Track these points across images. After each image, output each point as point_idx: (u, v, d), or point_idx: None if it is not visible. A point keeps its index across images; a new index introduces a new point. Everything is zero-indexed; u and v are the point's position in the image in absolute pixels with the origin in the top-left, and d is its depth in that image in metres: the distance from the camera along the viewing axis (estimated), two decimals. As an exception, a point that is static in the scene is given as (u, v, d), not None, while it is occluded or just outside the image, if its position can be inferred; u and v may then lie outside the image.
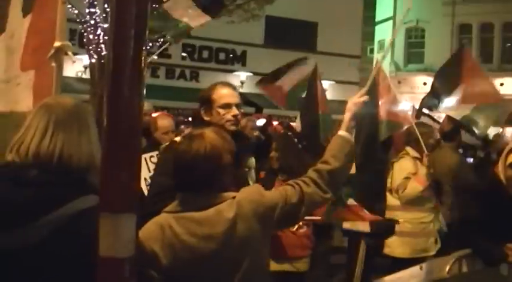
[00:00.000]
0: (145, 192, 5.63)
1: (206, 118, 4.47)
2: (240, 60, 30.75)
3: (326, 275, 7.42)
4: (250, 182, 4.48)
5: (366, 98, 3.68)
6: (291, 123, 10.68)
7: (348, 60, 32.05)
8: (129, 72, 2.05)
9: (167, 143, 4.65)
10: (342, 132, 3.53)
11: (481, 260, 4.91)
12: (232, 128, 4.37)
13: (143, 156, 5.96)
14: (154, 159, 6.29)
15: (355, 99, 3.68)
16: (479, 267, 4.88)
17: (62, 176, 2.65)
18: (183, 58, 29.64)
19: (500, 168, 5.10)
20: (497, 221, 4.78)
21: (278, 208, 3.16)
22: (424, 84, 35.04)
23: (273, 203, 3.16)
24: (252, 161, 4.71)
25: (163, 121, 7.15)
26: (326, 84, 27.43)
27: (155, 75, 28.27)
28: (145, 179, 5.97)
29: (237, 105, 4.45)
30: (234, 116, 4.38)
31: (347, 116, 3.61)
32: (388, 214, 7.56)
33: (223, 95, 4.46)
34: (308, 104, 9.59)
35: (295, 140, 6.23)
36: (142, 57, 2.09)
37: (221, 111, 4.40)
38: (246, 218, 3.05)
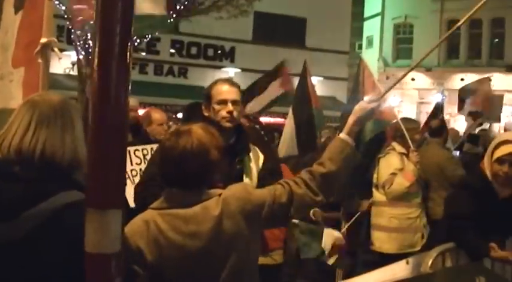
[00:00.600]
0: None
1: (206, 114, 4.50)
2: (228, 56, 30.76)
3: (316, 271, 7.43)
4: (246, 179, 4.44)
5: (375, 104, 3.51)
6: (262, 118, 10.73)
7: (337, 56, 32.09)
8: (115, 68, 2.05)
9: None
10: (343, 135, 3.40)
11: (466, 254, 4.93)
12: (227, 125, 4.36)
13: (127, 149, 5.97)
14: (139, 153, 6.30)
15: (363, 104, 3.51)
16: (463, 261, 4.89)
17: (45, 171, 2.64)
18: (172, 54, 29.65)
19: (486, 163, 5.13)
20: (483, 216, 4.81)
21: (266, 207, 3.11)
22: (413, 80, 35.14)
23: (261, 201, 3.12)
24: (256, 155, 4.64)
25: (157, 114, 7.23)
26: (315, 80, 27.50)
27: (144, 72, 28.28)
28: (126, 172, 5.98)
29: (234, 102, 4.43)
30: (229, 112, 4.37)
31: (351, 119, 3.44)
32: (375, 210, 7.59)
33: (220, 91, 4.46)
34: (301, 100, 9.60)
35: (262, 132, 6.21)
36: (128, 53, 2.09)
37: (217, 107, 4.40)
38: (232, 216, 3.02)
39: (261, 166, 4.56)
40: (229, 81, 4.66)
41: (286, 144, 9.17)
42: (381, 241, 7.46)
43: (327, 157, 3.32)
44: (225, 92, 4.46)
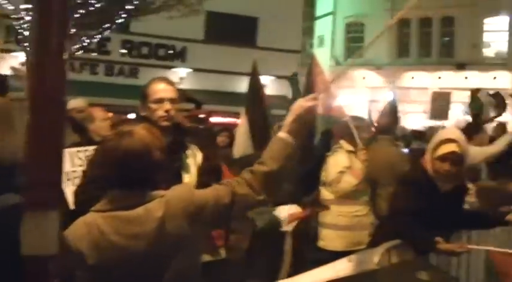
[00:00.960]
0: (65, 187, 5.56)
1: (142, 113, 4.45)
2: (180, 56, 30.62)
3: (266, 271, 7.41)
4: (186, 176, 4.42)
5: (314, 103, 3.47)
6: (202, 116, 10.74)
7: (289, 55, 32.16)
8: (50, 67, 2.03)
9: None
10: (282, 134, 3.40)
11: (411, 249, 4.96)
12: (165, 124, 4.31)
13: (67, 150, 5.89)
14: (82, 154, 6.21)
15: (302, 102, 3.48)
16: (409, 257, 4.91)
17: None
18: (123, 55, 29.42)
19: (427, 160, 5.20)
20: (428, 210, 4.86)
21: (209, 207, 3.11)
22: (364, 78, 35.50)
23: (203, 202, 3.11)
24: (194, 153, 4.61)
25: (98, 111, 7.15)
26: (266, 79, 27.62)
27: (94, 72, 28.07)
28: (66, 174, 5.88)
29: (171, 100, 4.39)
30: (167, 111, 4.34)
31: (290, 118, 3.43)
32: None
33: (156, 90, 4.41)
34: (253, 99, 9.61)
35: (205, 132, 6.20)
36: (64, 53, 2.07)
37: (154, 106, 4.35)
38: (175, 217, 3.01)
39: (201, 165, 4.54)
40: (166, 79, 4.60)
41: (242, 144, 9.14)
42: (329, 239, 7.42)
43: (268, 156, 3.33)
44: (161, 90, 4.41)
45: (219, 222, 3.46)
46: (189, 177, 4.41)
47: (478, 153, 8.17)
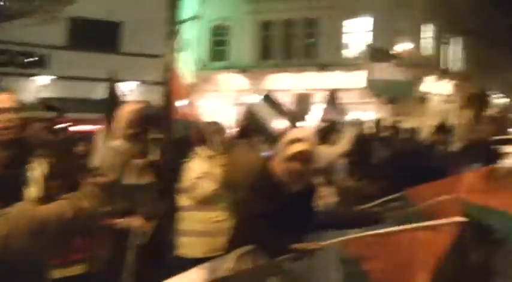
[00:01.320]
0: None
1: None
2: (41, 63, 29.75)
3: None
4: (30, 190, 4.33)
5: (140, 105, 3.50)
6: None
7: (153, 60, 31.95)
8: None
9: None
10: (116, 142, 3.42)
11: (264, 254, 4.95)
12: (5, 136, 4.21)
13: None
14: None
15: (128, 107, 3.51)
16: (262, 262, 4.91)
17: None
18: (-20, 63, 28.32)
19: (277, 161, 5.28)
20: (278, 212, 4.91)
21: (52, 223, 3.07)
22: (228, 81, 35.74)
23: (46, 218, 3.07)
24: (39, 166, 4.54)
25: None
26: (133, 84, 27.36)
27: None
28: None
29: (13, 110, 4.29)
30: (8, 121, 4.24)
31: (120, 124, 3.45)
32: (181, 214, 7.52)
33: None
34: (111, 106, 9.55)
35: (59, 142, 6.13)
36: None
37: None
38: (19, 234, 2.95)
39: (47, 176, 4.47)
40: (5, 90, 4.50)
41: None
42: (188, 246, 7.41)
43: (105, 166, 3.36)
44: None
45: (65, 238, 3.39)
46: (34, 191, 4.33)
47: (329, 153, 8.44)
